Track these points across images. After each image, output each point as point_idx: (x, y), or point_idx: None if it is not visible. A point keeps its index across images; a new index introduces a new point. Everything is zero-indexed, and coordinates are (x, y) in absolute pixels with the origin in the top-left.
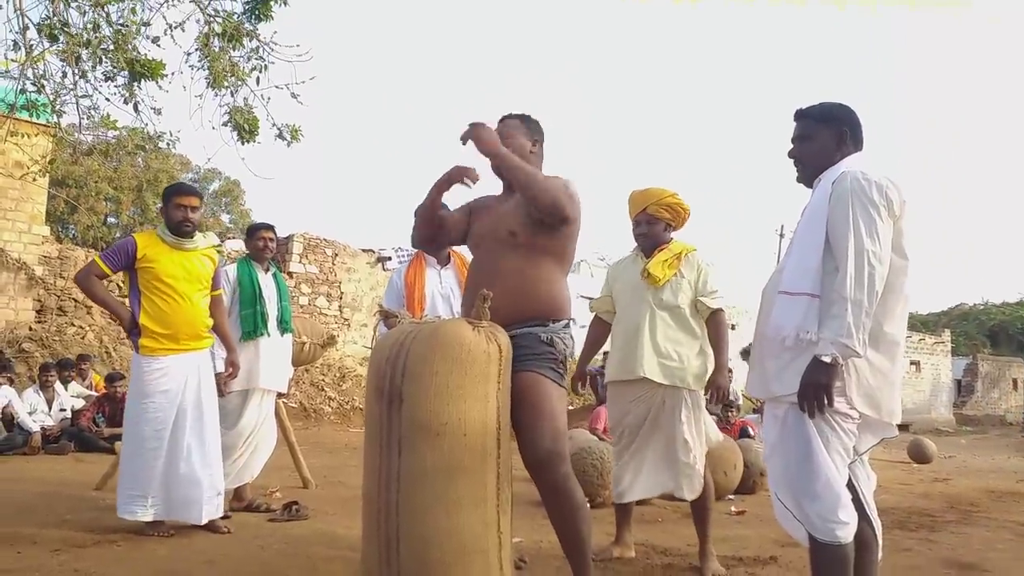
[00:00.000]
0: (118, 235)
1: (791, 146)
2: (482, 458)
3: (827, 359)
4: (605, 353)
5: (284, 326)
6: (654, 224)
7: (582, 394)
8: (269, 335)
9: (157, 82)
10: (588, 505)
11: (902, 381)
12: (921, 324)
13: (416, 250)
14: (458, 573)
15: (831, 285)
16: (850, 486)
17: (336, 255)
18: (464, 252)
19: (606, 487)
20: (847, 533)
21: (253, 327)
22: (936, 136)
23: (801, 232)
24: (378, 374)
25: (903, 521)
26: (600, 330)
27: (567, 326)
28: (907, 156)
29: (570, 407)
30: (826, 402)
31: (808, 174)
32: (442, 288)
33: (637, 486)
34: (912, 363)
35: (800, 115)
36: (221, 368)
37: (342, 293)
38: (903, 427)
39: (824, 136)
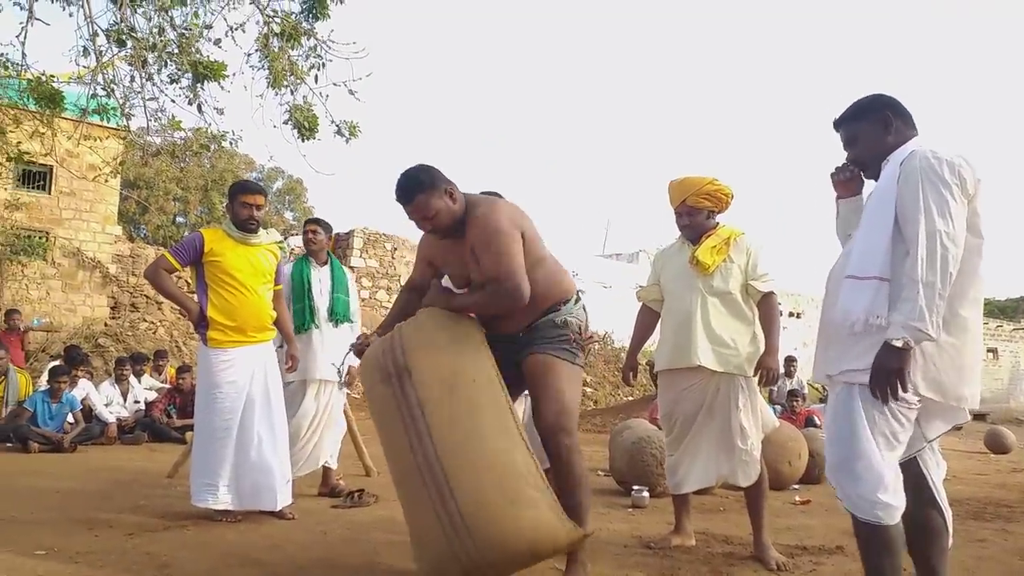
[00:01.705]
0: (186, 234)
1: (846, 155)
2: (494, 396)
3: (899, 343)
4: None
5: (336, 317)
6: (695, 215)
7: (633, 385)
8: (319, 327)
9: (219, 83)
10: (588, 477)
11: (979, 367)
12: (999, 310)
13: None
14: (511, 488)
15: (902, 268)
16: (919, 473)
17: (396, 249)
18: None
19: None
20: (890, 515)
21: (302, 321)
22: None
23: (870, 214)
24: (378, 368)
25: (978, 511)
26: (649, 319)
27: (577, 301)
28: (988, 135)
29: (629, 398)
30: (899, 388)
31: (872, 169)
32: None
33: (692, 475)
34: (989, 351)
35: (837, 124)
36: (282, 359)
37: (402, 286)
38: (980, 416)
39: (867, 131)
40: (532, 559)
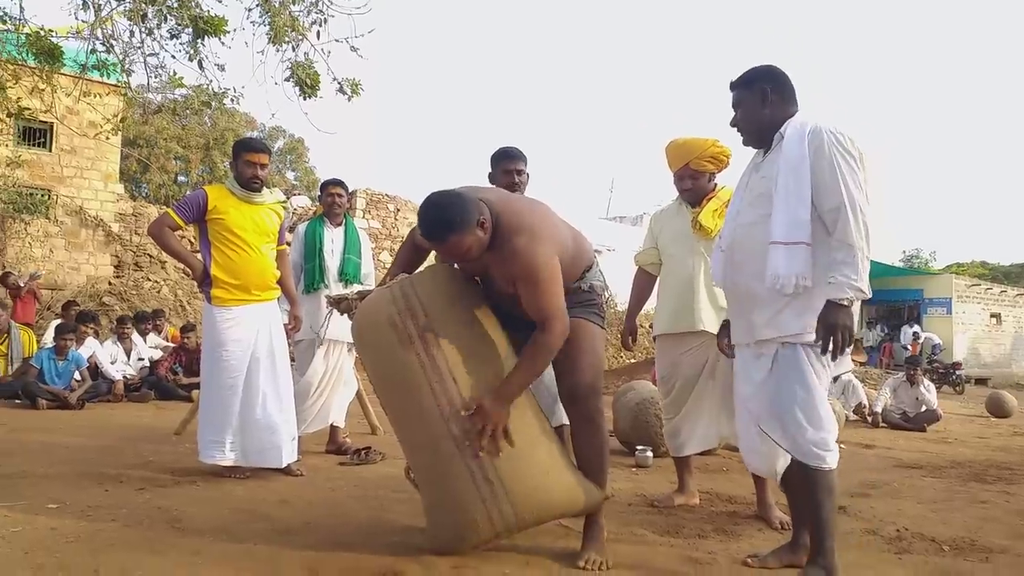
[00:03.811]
0: (188, 193)
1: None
2: (505, 345)
3: (846, 302)
4: None
5: (346, 278)
6: (699, 178)
7: (632, 349)
8: (328, 287)
9: (220, 38)
10: (610, 439)
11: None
12: (1003, 275)
13: None
14: (544, 452)
15: (822, 233)
16: None
17: (398, 210)
18: None
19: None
20: (834, 459)
21: (311, 280)
22: (1010, 81)
23: (783, 187)
24: (393, 327)
25: (980, 474)
26: (646, 282)
27: (595, 265)
28: (986, 101)
29: (631, 360)
30: (848, 342)
31: (748, 137)
32: None
33: (694, 439)
34: (992, 316)
35: (730, 86)
36: (285, 320)
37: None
38: (982, 381)
39: (748, 100)
40: (556, 518)
